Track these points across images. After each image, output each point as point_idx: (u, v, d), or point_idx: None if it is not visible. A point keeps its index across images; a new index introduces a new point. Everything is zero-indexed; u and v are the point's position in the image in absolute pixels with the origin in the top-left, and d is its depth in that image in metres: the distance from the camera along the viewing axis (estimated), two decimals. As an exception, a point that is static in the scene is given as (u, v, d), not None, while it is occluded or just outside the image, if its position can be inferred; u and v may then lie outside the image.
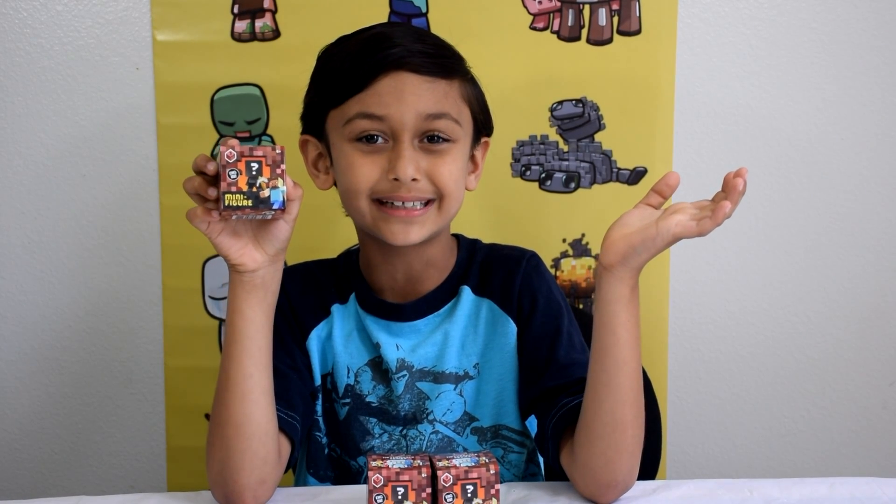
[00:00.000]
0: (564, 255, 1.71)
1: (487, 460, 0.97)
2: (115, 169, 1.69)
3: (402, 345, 1.24)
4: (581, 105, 1.68)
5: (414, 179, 1.15)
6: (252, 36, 1.64)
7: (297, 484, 1.32)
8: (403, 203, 1.16)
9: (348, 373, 1.26)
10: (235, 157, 0.99)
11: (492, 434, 1.27)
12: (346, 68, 1.17)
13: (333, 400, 1.27)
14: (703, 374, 1.79)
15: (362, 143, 1.17)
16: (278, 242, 1.07)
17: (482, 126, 1.25)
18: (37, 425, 1.75)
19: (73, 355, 1.74)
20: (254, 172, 0.99)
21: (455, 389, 1.25)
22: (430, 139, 1.17)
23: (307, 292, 1.26)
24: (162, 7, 1.63)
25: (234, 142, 1.00)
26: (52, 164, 1.68)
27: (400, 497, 0.95)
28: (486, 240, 1.32)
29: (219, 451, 1.09)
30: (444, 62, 1.18)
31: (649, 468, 1.40)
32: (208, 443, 1.11)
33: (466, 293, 1.25)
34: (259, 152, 0.99)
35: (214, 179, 1.01)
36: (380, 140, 1.16)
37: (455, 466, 0.96)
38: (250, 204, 0.99)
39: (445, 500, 0.95)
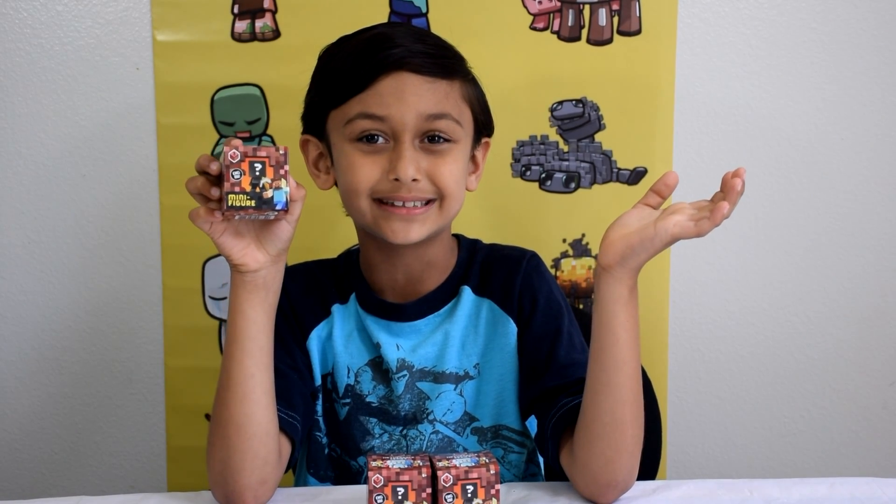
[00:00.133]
0: (564, 255, 1.71)
1: (487, 460, 0.97)
2: (116, 169, 1.69)
3: (403, 345, 1.24)
4: (581, 105, 1.68)
5: (414, 180, 1.15)
6: (252, 36, 1.64)
7: (298, 484, 1.32)
8: (404, 203, 1.16)
9: (348, 373, 1.26)
10: (239, 158, 0.99)
11: (492, 434, 1.27)
12: (348, 68, 1.17)
13: (334, 400, 1.27)
14: (703, 374, 1.80)
15: (363, 143, 1.17)
16: (280, 243, 1.07)
17: (483, 126, 1.25)
18: (37, 425, 1.75)
19: (73, 355, 1.74)
20: (257, 173, 0.99)
21: (455, 389, 1.25)
22: (431, 139, 1.17)
23: (308, 292, 1.26)
24: (162, 7, 1.63)
25: (238, 142, 1.00)
26: (53, 164, 1.68)
27: (400, 497, 0.95)
28: (486, 240, 1.32)
29: (220, 451, 1.09)
30: (445, 62, 1.18)
31: (649, 468, 1.40)
32: (209, 443, 1.11)
33: (467, 293, 1.25)
34: (263, 153, 0.99)
35: (217, 179, 1.02)
36: (380, 140, 1.16)
37: (455, 466, 0.96)
38: (253, 204, 0.99)
39: (445, 500, 0.95)
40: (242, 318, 1.08)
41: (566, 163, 1.69)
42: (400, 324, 1.24)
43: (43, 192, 1.69)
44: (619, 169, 1.69)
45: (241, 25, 1.64)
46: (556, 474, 1.20)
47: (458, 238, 1.30)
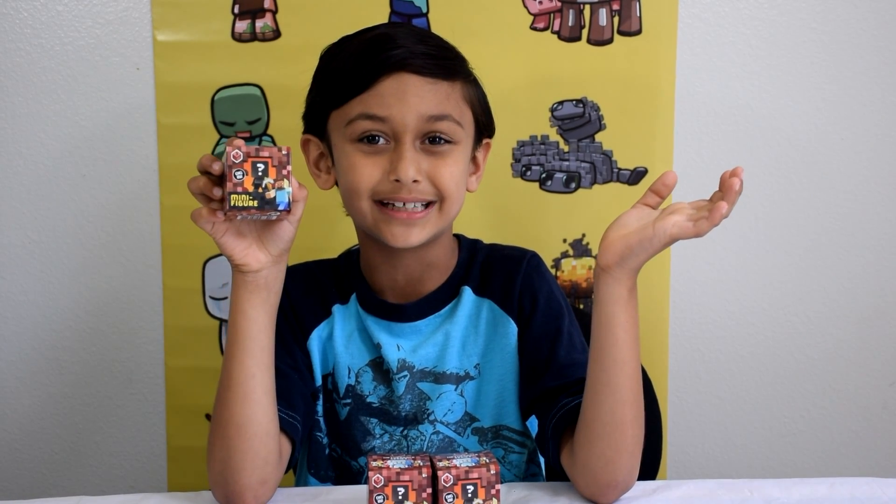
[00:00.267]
0: (565, 255, 1.71)
1: (488, 460, 0.97)
2: (116, 169, 1.69)
3: (403, 345, 1.24)
4: (581, 105, 1.68)
5: (415, 181, 1.15)
6: (252, 36, 1.64)
7: (298, 484, 1.32)
8: (404, 204, 1.16)
9: (349, 373, 1.26)
10: (242, 158, 0.99)
11: (492, 434, 1.27)
12: (349, 69, 1.17)
13: (334, 400, 1.27)
14: (703, 374, 1.80)
15: (364, 143, 1.17)
16: (282, 243, 1.07)
17: (484, 127, 1.25)
18: (37, 425, 1.75)
19: (73, 355, 1.74)
20: (260, 173, 0.99)
21: (456, 390, 1.25)
22: (432, 140, 1.17)
23: (308, 293, 1.26)
24: (162, 7, 1.63)
25: (240, 142, 1.00)
26: (53, 165, 1.68)
27: (400, 497, 0.95)
28: (486, 240, 1.32)
29: (220, 451, 1.09)
30: (446, 63, 1.18)
31: (649, 468, 1.40)
32: (209, 443, 1.11)
33: (467, 294, 1.25)
34: (265, 153, 0.99)
35: (219, 180, 1.02)
36: (381, 141, 1.16)
37: (455, 467, 0.96)
38: (256, 204, 0.99)
39: (446, 500, 0.95)
40: (244, 318, 1.08)
41: (566, 163, 1.69)
42: (400, 324, 1.24)
43: (43, 192, 1.69)
44: (620, 169, 1.69)
45: (242, 25, 1.64)
46: (556, 474, 1.20)
47: (459, 238, 1.30)
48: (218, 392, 1.11)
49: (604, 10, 1.65)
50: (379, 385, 1.25)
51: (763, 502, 1.11)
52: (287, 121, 1.50)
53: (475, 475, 0.96)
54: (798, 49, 1.72)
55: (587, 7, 1.65)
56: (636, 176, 1.69)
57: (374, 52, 1.16)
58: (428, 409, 1.24)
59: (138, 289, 1.71)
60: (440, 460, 0.98)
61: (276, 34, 1.64)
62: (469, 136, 1.21)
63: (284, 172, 1.00)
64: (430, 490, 0.96)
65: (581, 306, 1.71)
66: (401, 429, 1.25)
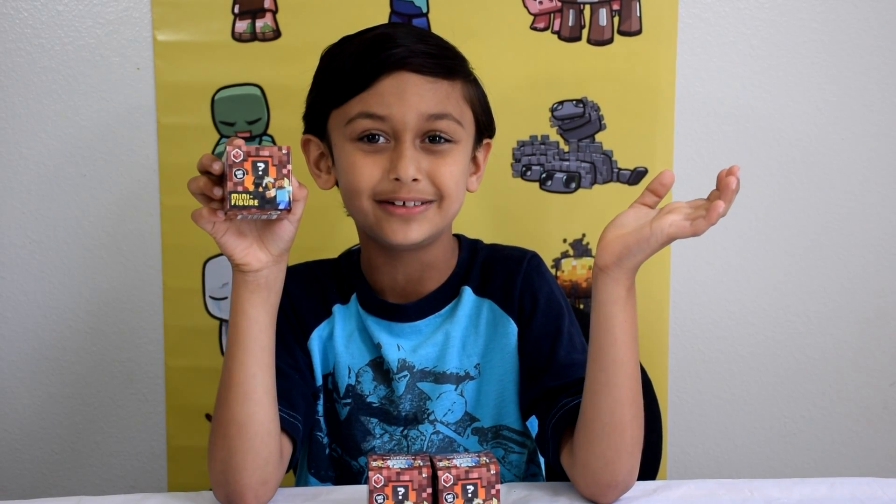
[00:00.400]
0: (565, 255, 1.71)
1: (488, 460, 0.97)
2: (116, 169, 1.69)
3: (404, 345, 1.24)
4: (582, 105, 1.68)
5: (415, 180, 1.15)
6: (253, 36, 1.64)
7: (299, 484, 1.32)
8: (404, 203, 1.16)
9: (349, 373, 1.26)
10: (242, 157, 0.99)
11: (493, 434, 1.27)
12: (349, 68, 1.17)
13: (334, 400, 1.27)
14: (703, 374, 1.80)
15: (364, 142, 1.17)
16: (283, 242, 1.07)
17: (484, 127, 1.25)
18: (37, 425, 1.75)
19: (73, 355, 1.74)
20: (260, 172, 0.99)
21: (456, 390, 1.25)
22: (432, 139, 1.17)
23: (309, 292, 1.26)
24: (162, 7, 1.63)
25: (240, 141, 1.00)
26: (53, 165, 1.68)
27: (400, 497, 0.95)
28: (486, 240, 1.32)
29: (221, 450, 1.10)
30: (446, 63, 1.18)
31: (649, 468, 1.40)
32: (210, 443, 1.11)
33: (467, 294, 1.25)
34: (265, 152, 0.99)
35: (219, 179, 1.02)
36: (381, 140, 1.16)
37: (455, 466, 0.96)
38: (256, 204, 0.99)
39: (446, 500, 0.95)
40: (244, 317, 1.08)
41: (567, 163, 1.69)
42: (401, 324, 1.24)
43: (44, 192, 1.69)
44: (620, 169, 1.69)
45: (242, 25, 1.64)
46: (556, 474, 1.20)
47: (459, 238, 1.30)
48: (219, 392, 1.11)
49: (604, 10, 1.65)
50: (379, 385, 1.25)
51: (763, 502, 1.11)
52: (287, 121, 1.50)
53: (475, 475, 0.96)
54: (798, 49, 1.72)
55: (587, 7, 1.65)
56: (636, 176, 1.69)
57: (375, 52, 1.16)
58: (428, 409, 1.24)
59: (138, 289, 1.71)
60: (440, 460, 0.98)
61: (277, 34, 1.64)
62: (469, 136, 1.21)
63: (285, 171, 1.00)
64: (430, 490, 0.96)
65: (581, 306, 1.71)
66: (401, 429, 1.25)
